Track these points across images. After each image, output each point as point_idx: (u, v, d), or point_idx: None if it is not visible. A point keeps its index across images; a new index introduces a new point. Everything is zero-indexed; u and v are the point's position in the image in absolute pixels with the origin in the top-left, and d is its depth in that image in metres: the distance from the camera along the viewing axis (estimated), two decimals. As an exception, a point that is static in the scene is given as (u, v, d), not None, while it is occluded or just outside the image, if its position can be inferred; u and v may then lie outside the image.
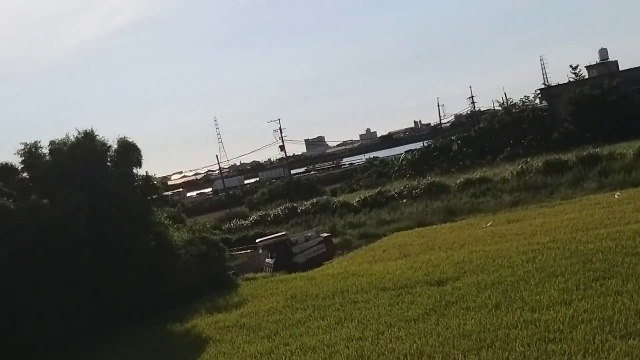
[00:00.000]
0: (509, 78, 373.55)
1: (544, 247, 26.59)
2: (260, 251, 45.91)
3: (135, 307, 29.26)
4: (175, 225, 36.42)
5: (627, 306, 16.88)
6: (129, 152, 32.28)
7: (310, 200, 68.05)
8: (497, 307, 19.27)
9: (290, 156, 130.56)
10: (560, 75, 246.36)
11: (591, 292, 18.92)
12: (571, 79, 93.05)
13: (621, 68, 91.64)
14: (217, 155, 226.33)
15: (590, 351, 14.50)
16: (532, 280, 21.45)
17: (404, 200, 58.76)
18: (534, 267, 23.23)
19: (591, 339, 15.13)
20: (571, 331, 15.94)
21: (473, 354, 15.77)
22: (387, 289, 24.91)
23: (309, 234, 45.82)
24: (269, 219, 65.27)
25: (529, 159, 60.83)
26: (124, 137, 32.48)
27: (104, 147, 31.91)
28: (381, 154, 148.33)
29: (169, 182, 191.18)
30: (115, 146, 32.19)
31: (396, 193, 61.76)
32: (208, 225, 40.32)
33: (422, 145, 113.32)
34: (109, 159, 32.15)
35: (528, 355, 14.93)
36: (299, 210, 64.53)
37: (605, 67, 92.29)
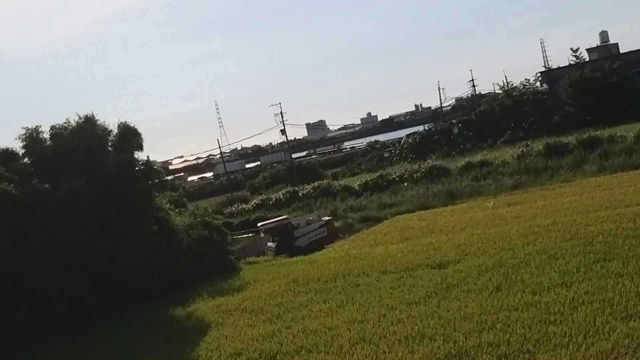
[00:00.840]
0: (510, 61, 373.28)
1: (544, 230, 26.66)
2: (262, 235, 46.02)
3: (138, 291, 29.35)
4: (176, 210, 36.48)
5: (628, 288, 16.94)
6: (130, 137, 32.24)
7: (312, 184, 68.12)
8: (498, 290, 19.34)
9: (291, 140, 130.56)
10: (561, 58, 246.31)
11: (592, 274, 18.98)
12: (572, 62, 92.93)
13: (622, 51, 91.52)
14: (218, 140, 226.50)
15: (590, 333, 14.57)
16: (533, 263, 21.52)
17: (405, 184, 58.86)
18: (535, 250, 23.29)
19: (592, 321, 15.19)
20: (572, 313, 16.02)
21: (474, 336, 15.85)
22: (389, 272, 24.99)
23: (311, 218, 45.94)
24: (270, 203, 65.35)
25: (529, 142, 60.91)
26: (125, 121, 32.46)
27: (104, 131, 31.87)
28: (382, 137, 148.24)
29: (170, 167, 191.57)
30: (116, 131, 32.15)
31: (397, 176, 61.85)
32: (210, 210, 40.45)
33: (423, 128, 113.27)
34: (110, 144, 32.12)
35: (529, 337, 15.00)
36: (300, 194, 64.61)
37: (606, 50, 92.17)
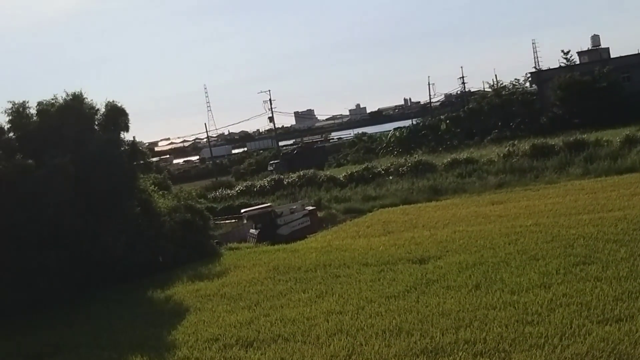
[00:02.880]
0: (501, 60, 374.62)
1: (526, 230, 26.74)
2: (245, 221, 45.96)
3: (118, 272, 29.28)
4: (160, 192, 36.31)
5: (606, 292, 17.06)
6: (117, 117, 32.09)
7: (297, 172, 68.04)
8: (477, 288, 19.41)
9: (279, 128, 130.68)
10: (551, 60, 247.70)
11: (571, 276, 19.08)
12: (562, 64, 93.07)
13: (612, 55, 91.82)
14: (205, 124, 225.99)
15: (567, 335, 14.65)
16: (513, 263, 21.60)
17: (390, 177, 58.86)
18: (516, 250, 23.38)
19: (568, 323, 15.28)
20: (549, 314, 16.10)
21: (451, 332, 15.90)
22: (370, 264, 25.02)
23: (294, 207, 45.91)
24: (254, 189, 65.26)
25: (516, 142, 61.01)
26: (113, 101, 32.30)
27: (92, 110, 31.69)
28: (370, 129, 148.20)
29: (156, 148, 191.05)
30: (103, 110, 32.00)
31: (383, 170, 61.85)
32: (194, 193, 40.27)
33: (411, 123, 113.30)
34: (96, 123, 31.96)
35: (505, 337, 15.07)
36: (285, 183, 64.54)
37: (596, 54, 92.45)
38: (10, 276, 26.07)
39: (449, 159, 59.51)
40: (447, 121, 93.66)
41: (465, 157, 59.26)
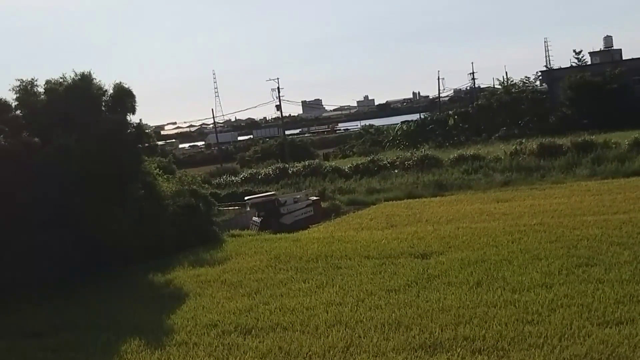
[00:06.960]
0: (512, 57, 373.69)
1: (530, 229, 26.70)
2: (248, 209, 45.85)
3: (119, 254, 29.22)
4: (165, 176, 36.23)
5: (607, 295, 17.03)
6: (124, 98, 31.96)
7: (302, 162, 67.92)
8: (478, 285, 19.38)
9: (286, 116, 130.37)
10: (563, 59, 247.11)
11: (573, 277, 19.05)
12: (573, 64, 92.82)
13: (625, 57, 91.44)
14: (212, 109, 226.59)
15: (566, 336, 14.62)
16: (516, 261, 21.56)
17: (396, 171, 58.69)
18: (519, 248, 23.34)
19: (568, 324, 15.25)
20: (549, 315, 16.07)
21: (450, 328, 15.88)
22: (371, 257, 24.99)
23: (298, 196, 45.77)
24: (259, 177, 65.17)
25: (523, 140, 60.80)
26: (120, 82, 32.16)
27: (99, 91, 31.57)
28: (377, 122, 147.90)
29: (163, 132, 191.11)
30: (111, 91, 31.88)
31: (388, 163, 61.68)
32: (198, 179, 40.16)
33: (418, 117, 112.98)
34: (103, 104, 31.85)
35: (504, 335, 15.04)
36: (289, 172, 64.41)
37: (608, 55, 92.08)
38: (13, 255, 26.05)
39: (455, 155, 59.32)
40: (455, 116, 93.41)
41: (471, 153, 59.06)
